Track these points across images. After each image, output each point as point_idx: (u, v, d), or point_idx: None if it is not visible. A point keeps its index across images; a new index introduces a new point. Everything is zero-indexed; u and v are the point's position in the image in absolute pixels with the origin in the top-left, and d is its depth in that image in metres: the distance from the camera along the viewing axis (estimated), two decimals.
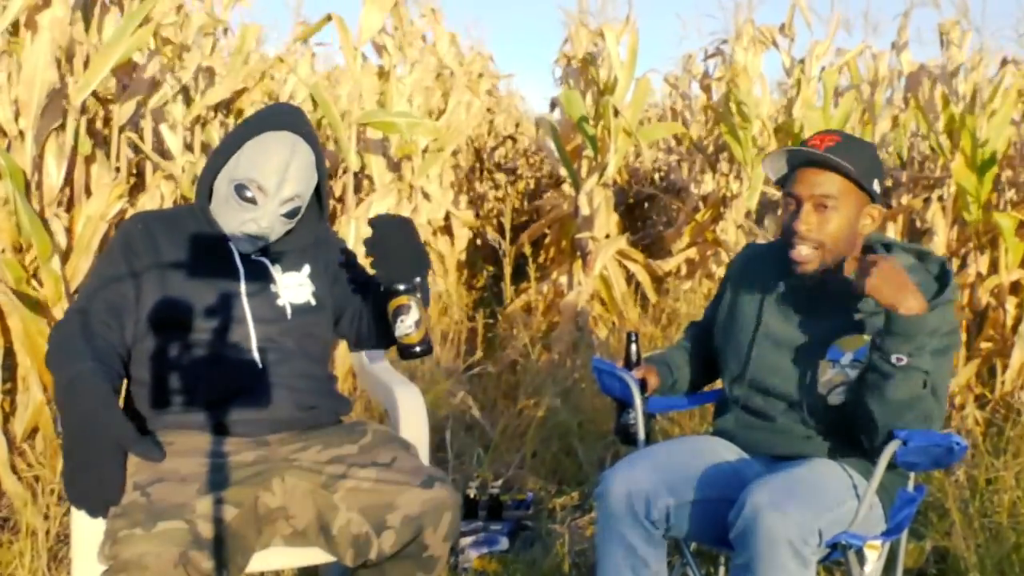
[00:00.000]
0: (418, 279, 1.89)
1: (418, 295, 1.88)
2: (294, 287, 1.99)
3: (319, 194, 2.05)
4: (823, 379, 1.94)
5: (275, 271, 1.99)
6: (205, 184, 1.98)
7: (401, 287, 1.87)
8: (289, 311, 1.96)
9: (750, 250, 2.23)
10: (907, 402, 1.81)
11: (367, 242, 1.89)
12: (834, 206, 1.89)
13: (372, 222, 1.90)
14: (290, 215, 1.96)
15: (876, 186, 1.92)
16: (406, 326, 1.87)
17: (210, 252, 1.95)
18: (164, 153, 4.21)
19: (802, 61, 5.58)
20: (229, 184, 1.92)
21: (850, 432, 1.94)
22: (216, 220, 1.97)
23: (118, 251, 1.93)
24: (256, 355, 1.91)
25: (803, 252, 1.91)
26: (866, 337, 1.90)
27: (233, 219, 1.93)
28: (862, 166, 1.89)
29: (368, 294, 2.05)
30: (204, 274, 1.92)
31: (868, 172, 1.90)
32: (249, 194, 1.91)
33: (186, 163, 4.03)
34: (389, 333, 1.92)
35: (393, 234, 1.90)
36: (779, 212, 1.92)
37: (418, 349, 1.89)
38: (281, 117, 1.96)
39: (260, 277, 1.97)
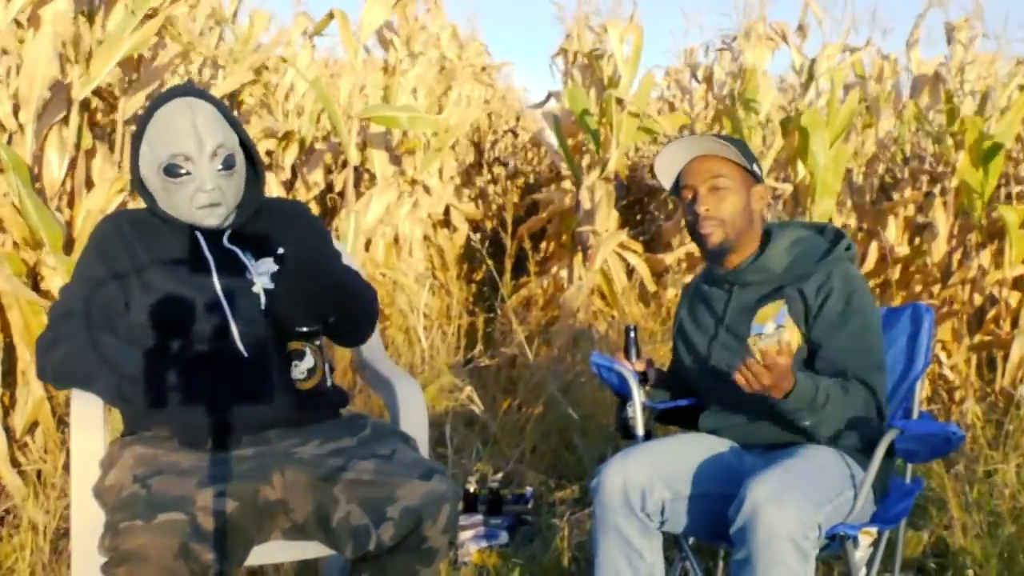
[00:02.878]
0: (322, 323, 1.89)
1: (317, 342, 1.88)
2: (265, 273, 1.95)
3: (248, 152, 2.00)
4: (756, 353, 1.97)
5: (246, 259, 1.95)
6: (140, 186, 1.95)
7: (302, 329, 1.86)
8: (263, 298, 1.93)
9: (686, 286, 2.36)
10: (840, 421, 1.92)
11: (280, 273, 1.90)
12: (726, 185, 2.04)
13: (290, 252, 1.90)
14: (226, 166, 1.91)
15: (756, 168, 2.07)
16: (299, 371, 1.88)
17: (180, 250, 1.93)
18: None
19: (813, 60, 5.57)
20: (157, 173, 1.90)
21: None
22: (169, 214, 1.93)
23: (95, 252, 1.92)
24: (242, 349, 1.89)
25: (708, 230, 2.04)
26: (779, 302, 2.02)
27: (182, 201, 1.91)
28: (740, 150, 2.04)
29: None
30: (178, 273, 1.90)
31: (747, 156, 2.06)
32: (181, 170, 1.88)
33: None
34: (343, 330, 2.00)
35: (305, 269, 1.83)
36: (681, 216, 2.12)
37: (308, 397, 1.89)
38: (164, 94, 1.95)
39: (232, 268, 1.93)
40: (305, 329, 1.86)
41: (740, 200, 2.04)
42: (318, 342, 1.89)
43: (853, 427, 1.95)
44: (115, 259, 1.90)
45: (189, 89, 1.94)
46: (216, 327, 1.89)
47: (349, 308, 1.98)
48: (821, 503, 1.78)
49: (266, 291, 1.93)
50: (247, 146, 2.00)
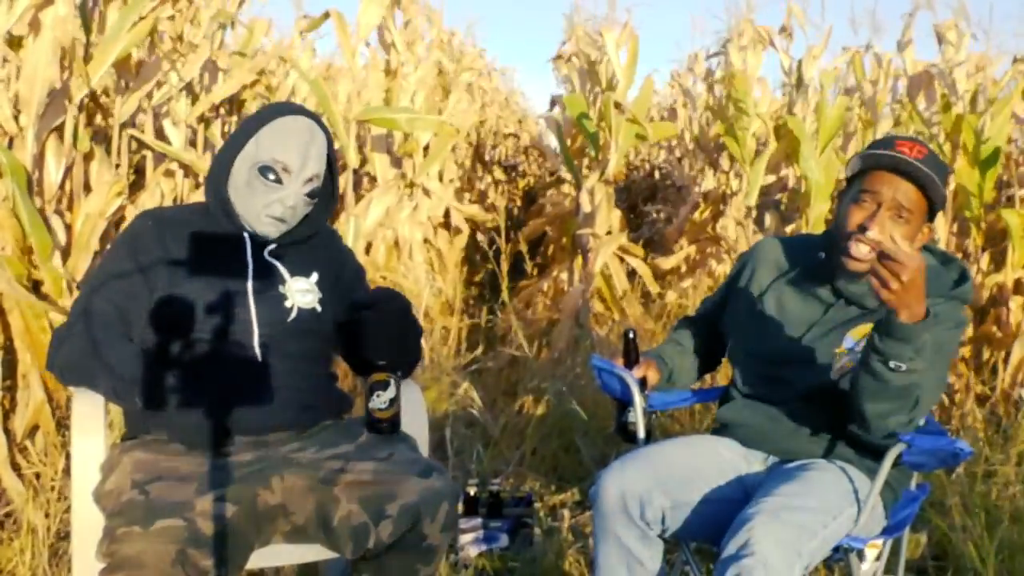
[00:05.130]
0: (404, 362, 1.98)
1: (399, 374, 1.95)
2: (302, 291, 1.99)
3: (332, 180, 2.07)
4: (836, 365, 1.95)
5: (284, 273, 1.99)
6: (221, 173, 1.98)
7: (383, 363, 1.94)
8: (294, 314, 1.97)
9: (768, 241, 2.21)
10: (899, 406, 1.80)
11: (365, 315, 1.95)
12: (908, 219, 1.89)
13: (376, 296, 1.98)
14: (312, 195, 1.99)
15: (938, 207, 1.93)
16: (381, 401, 1.95)
17: (220, 251, 1.96)
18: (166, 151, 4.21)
19: (800, 62, 5.59)
20: (251, 168, 1.94)
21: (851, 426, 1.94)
22: (235, 208, 1.97)
23: (125, 247, 1.94)
24: (258, 354, 1.91)
25: (863, 251, 1.90)
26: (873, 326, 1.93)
27: (257, 202, 1.94)
28: (940, 185, 1.89)
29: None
30: (212, 273, 1.92)
31: (941, 193, 1.91)
32: (273, 176, 1.93)
33: (190, 159, 4.03)
34: (357, 360, 2.03)
35: (391, 315, 1.97)
36: (841, 205, 1.92)
37: (385, 425, 1.96)
38: (294, 106, 2.02)
39: (269, 277, 1.97)
40: (385, 361, 1.93)
41: (910, 237, 1.88)
42: (400, 372, 1.97)
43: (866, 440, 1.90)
44: (146, 255, 1.91)
45: (316, 117, 2.01)
46: (240, 332, 1.91)
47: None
48: (816, 529, 1.76)
49: (298, 309, 1.97)
50: (332, 176, 2.06)
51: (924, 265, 1.66)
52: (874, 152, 1.92)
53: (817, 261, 2.01)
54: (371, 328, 1.94)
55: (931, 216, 1.94)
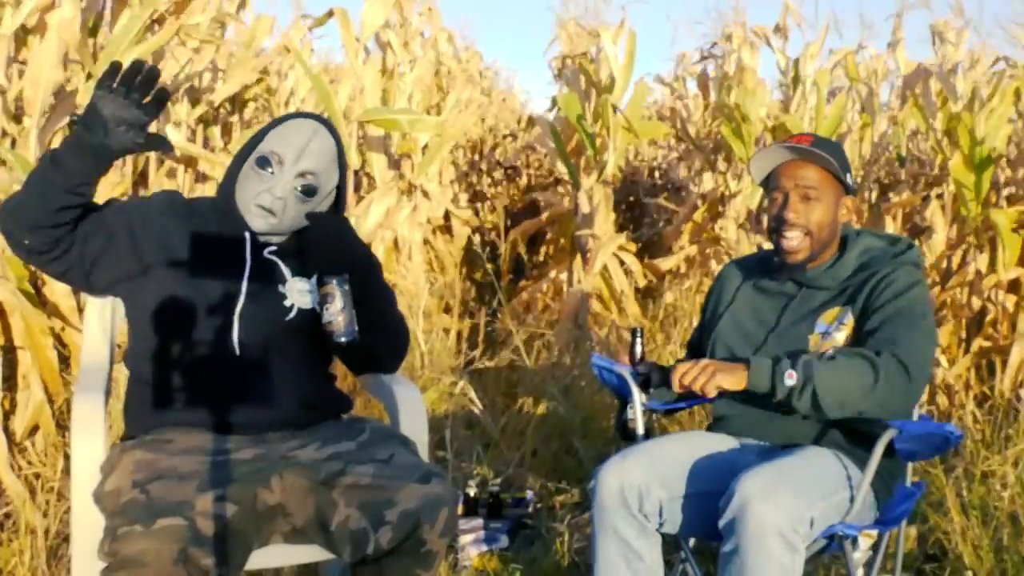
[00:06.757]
0: (346, 274, 1.96)
1: (345, 287, 1.94)
2: (301, 292, 2.01)
3: (339, 194, 2.08)
4: (813, 350, 2.01)
5: (285, 271, 2.00)
6: (232, 173, 2.01)
7: (329, 278, 1.94)
8: (294, 313, 1.98)
9: (733, 262, 2.37)
10: (843, 389, 1.87)
11: (304, 236, 2.01)
12: (817, 196, 2.06)
13: (309, 216, 2.01)
14: (306, 192, 1.98)
15: (848, 179, 2.09)
16: (329, 314, 1.95)
17: (221, 247, 1.97)
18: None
19: (796, 61, 5.59)
20: (252, 161, 1.98)
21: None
22: (235, 203, 1.99)
23: (136, 205, 1.99)
24: (255, 353, 1.92)
25: (793, 242, 2.06)
26: (841, 308, 2.05)
27: (249, 191, 1.97)
28: (837, 160, 2.06)
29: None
30: (209, 271, 1.93)
31: (842, 166, 2.07)
32: (268, 166, 1.96)
33: (197, 152, 4.03)
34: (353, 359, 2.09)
35: (325, 230, 2.02)
36: (766, 209, 2.19)
37: (342, 339, 1.96)
38: (308, 114, 2.06)
39: (268, 276, 1.98)
40: (330, 279, 1.94)
41: (829, 212, 2.07)
42: (346, 286, 1.95)
43: (852, 419, 1.93)
44: (145, 222, 1.94)
45: (328, 122, 2.05)
46: (236, 331, 1.92)
47: (378, 344, 2.09)
48: (815, 499, 1.79)
49: (298, 309, 1.98)
50: (340, 193, 2.07)
51: (710, 363, 1.91)
52: (761, 151, 2.11)
53: (774, 264, 2.15)
54: (310, 245, 2.00)
55: (846, 191, 2.11)
